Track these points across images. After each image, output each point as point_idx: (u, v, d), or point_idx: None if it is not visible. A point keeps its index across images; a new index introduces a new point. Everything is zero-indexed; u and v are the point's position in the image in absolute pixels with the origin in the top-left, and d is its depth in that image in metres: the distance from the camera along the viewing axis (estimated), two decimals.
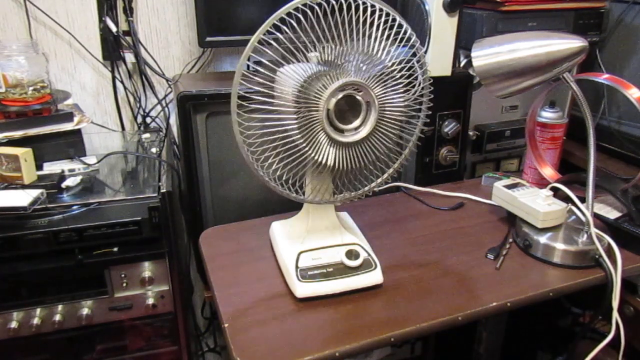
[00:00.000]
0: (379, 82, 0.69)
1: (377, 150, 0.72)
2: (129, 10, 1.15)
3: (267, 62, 0.66)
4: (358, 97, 0.68)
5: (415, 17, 1.03)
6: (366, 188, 0.77)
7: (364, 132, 0.70)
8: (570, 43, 0.79)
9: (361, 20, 0.66)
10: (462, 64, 1.11)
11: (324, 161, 0.69)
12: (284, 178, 0.72)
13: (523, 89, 0.84)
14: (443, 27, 0.99)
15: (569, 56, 0.79)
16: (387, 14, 0.68)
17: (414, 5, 1.03)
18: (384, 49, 0.69)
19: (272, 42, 0.64)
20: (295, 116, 0.67)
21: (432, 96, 0.75)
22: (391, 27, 0.69)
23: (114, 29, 1.15)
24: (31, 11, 1.12)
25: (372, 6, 0.66)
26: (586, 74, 0.89)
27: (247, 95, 0.67)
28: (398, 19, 0.69)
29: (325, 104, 0.66)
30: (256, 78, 0.66)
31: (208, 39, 1.04)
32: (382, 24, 0.67)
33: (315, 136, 0.68)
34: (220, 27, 1.04)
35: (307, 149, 0.68)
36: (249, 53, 0.65)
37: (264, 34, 0.64)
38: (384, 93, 0.69)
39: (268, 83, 0.67)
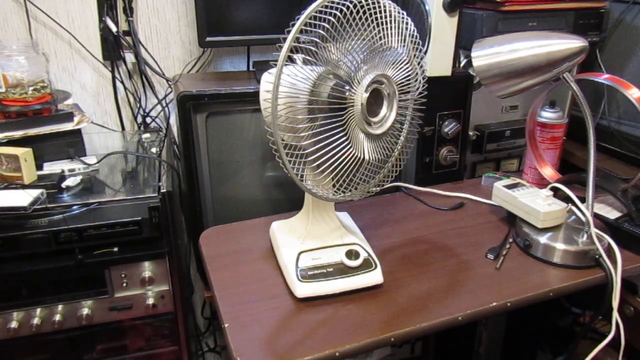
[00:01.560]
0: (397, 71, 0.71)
1: (395, 141, 0.75)
2: (129, 10, 1.15)
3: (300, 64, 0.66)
4: (382, 90, 0.70)
5: (415, 17, 1.03)
6: (370, 186, 0.77)
7: (389, 122, 0.71)
8: (570, 43, 0.79)
9: (381, 17, 0.68)
10: (462, 64, 1.11)
11: (361, 156, 0.70)
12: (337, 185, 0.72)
13: (523, 89, 0.84)
14: (443, 27, 0.99)
15: (569, 56, 0.79)
16: (399, 12, 0.70)
17: (414, 5, 1.03)
18: (398, 43, 0.70)
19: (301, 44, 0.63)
20: (335, 119, 0.67)
21: (426, 85, 0.77)
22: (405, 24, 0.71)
23: (114, 28, 1.15)
24: (31, 11, 1.12)
25: (388, 4, 0.68)
26: (586, 74, 0.89)
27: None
28: (405, 16, 0.70)
29: (360, 99, 0.67)
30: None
31: (208, 39, 1.04)
32: (396, 20, 0.69)
33: (355, 133, 0.69)
34: (220, 27, 1.04)
35: (350, 147, 0.69)
36: (285, 55, 0.62)
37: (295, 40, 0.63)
38: (401, 84, 0.72)
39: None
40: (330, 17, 0.63)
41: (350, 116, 0.68)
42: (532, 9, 1.10)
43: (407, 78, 0.72)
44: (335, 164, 0.68)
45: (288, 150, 0.67)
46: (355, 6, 0.65)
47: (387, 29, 0.69)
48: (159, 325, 0.97)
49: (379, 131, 0.71)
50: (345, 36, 0.65)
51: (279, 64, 0.62)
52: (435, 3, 0.97)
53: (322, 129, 0.67)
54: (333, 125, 0.67)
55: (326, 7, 0.63)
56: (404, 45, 0.71)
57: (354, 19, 0.65)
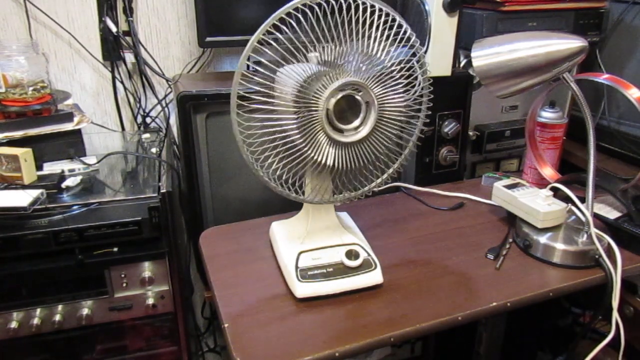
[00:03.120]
0: (379, 82, 0.69)
1: (376, 150, 0.72)
2: (128, 11, 1.15)
3: (266, 62, 0.66)
4: (358, 97, 0.68)
5: (415, 17, 1.03)
6: (366, 188, 0.77)
7: (363, 132, 0.70)
8: (569, 43, 0.79)
9: (361, 20, 0.66)
10: (462, 64, 1.11)
11: (323, 161, 0.69)
12: (283, 178, 0.72)
13: (523, 89, 0.84)
14: (443, 27, 0.99)
15: (569, 56, 0.79)
16: (387, 14, 0.68)
17: (414, 5, 1.03)
18: (383, 49, 0.69)
19: (272, 42, 0.64)
20: (295, 116, 0.67)
21: (432, 96, 0.75)
22: (391, 27, 0.69)
23: (114, 29, 1.15)
24: (31, 11, 1.12)
25: (372, 6, 0.66)
26: (586, 74, 0.89)
27: (246, 95, 0.67)
28: (398, 18, 0.69)
29: (325, 104, 0.66)
30: (256, 78, 0.66)
31: (208, 39, 1.04)
32: (381, 24, 0.68)
33: (314, 136, 0.68)
34: (220, 27, 1.04)
35: (306, 149, 0.68)
36: (248, 53, 0.65)
37: (264, 34, 0.64)
38: (384, 93, 0.69)
39: (268, 83, 0.67)
40: (298, 16, 0.64)
41: (314, 120, 0.67)
42: (532, 9, 1.10)
43: (394, 89, 0.70)
44: (277, 159, 0.69)
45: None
46: (324, 9, 0.64)
47: (366, 33, 0.67)
48: (158, 326, 0.97)
49: (350, 139, 0.69)
50: (312, 37, 0.65)
51: (240, 61, 0.64)
52: (435, 3, 0.97)
53: (275, 123, 0.67)
54: (291, 126, 0.67)
55: (296, 9, 0.64)
56: (390, 51, 0.69)
57: (324, 22, 0.65)
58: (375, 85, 0.68)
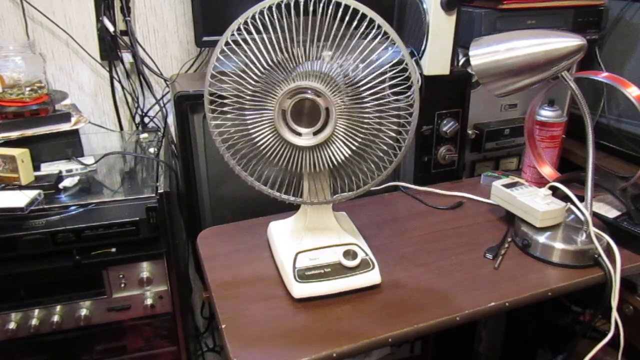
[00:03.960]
0: (337, 89, 0.67)
1: (336, 158, 0.71)
2: (126, 10, 1.15)
3: (233, 65, 0.67)
4: (318, 102, 0.67)
5: (414, 16, 1.03)
6: (362, 189, 0.77)
7: (320, 137, 0.69)
8: (568, 41, 0.78)
9: (328, 21, 0.64)
10: (460, 63, 1.11)
11: (275, 160, 0.70)
12: (270, 180, 0.73)
13: (521, 88, 0.83)
14: (441, 25, 0.99)
15: (567, 55, 0.79)
16: (365, 17, 0.65)
17: (412, 4, 1.02)
18: (355, 54, 0.66)
19: (241, 42, 0.65)
20: (250, 112, 0.68)
21: (419, 103, 0.72)
22: (375, 32, 0.66)
23: (111, 28, 1.15)
24: (28, 11, 1.12)
25: (347, 7, 0.64)
26: (585, 72, 0.89)
27: (213, 98, 0.69)
28: (377, 21, 0.66)
29: (279, 104, 0.66)
30: (223, 78, 0.67)
31: (205, 38, 1.04)
32: (353, 27, 0.65)
33: (267, 137, 0.69)
34: (217, 26, 1.04)
35: (262, 148, 0.69)
36: (217, 54, 0.66)
37: (233, 34, 0.65)
38: (351, 101, 0.68)
39: (232, 83, 0.68)
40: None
41: (266, 120, 0.68)
42: (531, 7, 1.10)
43: (360, 98, 0.68)
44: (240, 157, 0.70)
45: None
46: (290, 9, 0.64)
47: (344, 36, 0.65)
48: (157, 326, 0.97)
49: (307, 143, 0.69)
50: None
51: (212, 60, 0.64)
52: (433, 1, 0.97)
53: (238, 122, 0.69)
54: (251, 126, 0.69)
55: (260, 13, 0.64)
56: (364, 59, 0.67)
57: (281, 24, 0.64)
58: (339, 92, 0.67)
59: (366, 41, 0.66)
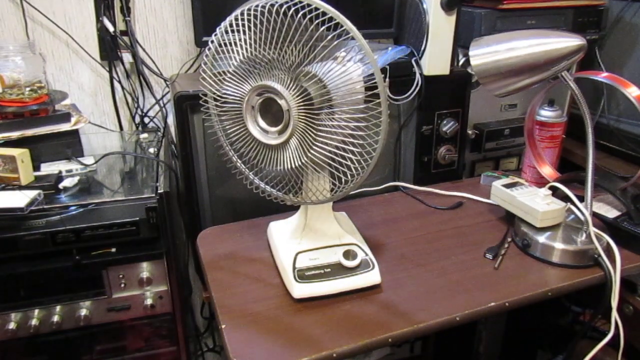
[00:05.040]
0: (299, 95, 0.66)
1: (292, 161, 0.70)
2: (126, 10, 1.15)
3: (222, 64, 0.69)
4: (281, 103, 0.67)
5: (414, 16, 1.03)
6: (350, 187, 0.75)
7: (282, 138, 0.69)
8: (568, 41, 0.78)
9: (303, 25, 0.63)
10: (460, 63, 1.11)
11: (254, 158, 0.72)
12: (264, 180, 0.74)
13: (521, 88, 0.83)
14: (441, 25, 0.99)
15: (567, 55, 0.79)
16: (331, 19, 0.63)
17: (412, 4, 1.02)
18: (315, 59, 0.65)
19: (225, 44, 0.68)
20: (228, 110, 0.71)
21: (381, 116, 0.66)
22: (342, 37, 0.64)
23: (111, 28, 1.15)
24: (28, 11, 1.12)
25: (316, 9, 0.62)
26: (585, 72, 0.88)
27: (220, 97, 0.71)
28: (347, 25, 0.62)
29: (247, 99, 0.69)
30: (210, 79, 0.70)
31: (205, 38, 1.03)
32: (319, 30, 0.63)
33: (241, 132, 0.72)
34: (217, 26, 1.03)
35: (238, 144, 0.72)
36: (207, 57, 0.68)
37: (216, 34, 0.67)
38: (307, 111, 0.67)
39: (214, 84, 0.71)
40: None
41: (236, 115, 0.72)
42: (531, 7, 1.10)
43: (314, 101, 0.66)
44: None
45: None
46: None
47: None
48: (157, 326, 0.97)
49: (268, 141, 0.70)
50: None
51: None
52: (433, 1, 0.97)
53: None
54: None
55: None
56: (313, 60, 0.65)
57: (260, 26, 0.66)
58: (298, 98, 0.66)
59: (340, 52, 0.65)
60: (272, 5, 0.64)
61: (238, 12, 0.67)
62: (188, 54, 1.24)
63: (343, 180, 0.70)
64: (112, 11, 1.15)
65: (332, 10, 0.62)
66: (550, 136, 1.01)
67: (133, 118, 1.25)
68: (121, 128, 1.25)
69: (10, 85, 0.95)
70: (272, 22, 0.64)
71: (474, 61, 0.83)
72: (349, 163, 0.68)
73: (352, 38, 0.62)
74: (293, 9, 0.62)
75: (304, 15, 0.62)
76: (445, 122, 1.09)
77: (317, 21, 0.62)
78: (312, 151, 0.68)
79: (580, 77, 0.87)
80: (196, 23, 1.02)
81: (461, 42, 1.06)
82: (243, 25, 0.67)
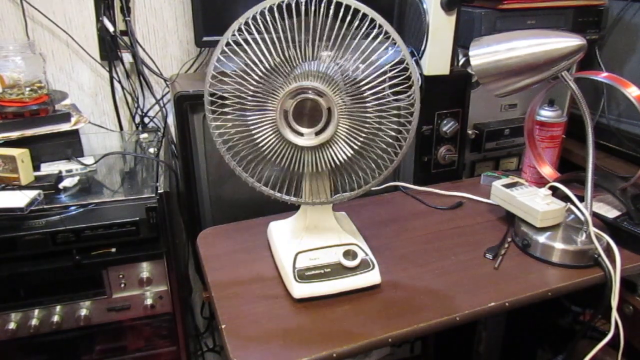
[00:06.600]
0: (339, 89, 0.67)
1: (338, 158, 0.71)
2: (126, 10, 1.15)
3: (234, 65, 0.67)
4: (320, 102, 0.67)
5: (414, 16, 1.03)
6: (359, 190, 0.76)
7: (322, 137, 0.69)
8: (568, 41, 0.78)
9: (329, 22, 0.64)
10: (460, 63, 1.11)
11: (277, 160, 0.70)
12: (271, 181, 0.73)
13: (521, 88, 0.83)
14: (441, 25, 0.99)
15: (567, 55, 0.79)
16: (365, 17, 0.65)
17: (412, 4, 1.02)
18: (356, 56, 0.66)
19: (242, 42, 0.65)
20: (253, 115, 0.68)
21: (418, 105, 0.71)
22: (376, 32, 0.66)
23: (111, 28, 1.15)
24: (28, 11, 1.12)
25: (347, 7, 0.64)
26: (585, 72, 0.88)
27: (224, 96, 0.68)
28: (378, 21, 0.66)
29: (281, 104, 0.66)
30: (223, 78, 0.67)
31: (205, 38, 1.04)
32: (354, 27, 0.65)
33: (269, 137, 0.69)
34: (216, 26, 1.03)
35: (264, 150, 0.69)
36: (217, 55, 0.66)
37: (234, 34, 0.65)
38: (351, 101, 0.68)
39: (233, 84, 0.68)
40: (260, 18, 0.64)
41: (267, 120, 0.68)
42: (531, 7, 1.10)
43: (361, 97, 0.68)
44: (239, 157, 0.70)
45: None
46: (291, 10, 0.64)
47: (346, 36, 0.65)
48: (157, 326, 0.97)
49: (309, 143, 0.69)
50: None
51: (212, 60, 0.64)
52: (433, 1, 0.96)
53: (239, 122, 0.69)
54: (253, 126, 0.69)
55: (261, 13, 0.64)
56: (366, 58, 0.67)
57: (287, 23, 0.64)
58: (340, 92, 0.67)
59: (367, 41, 0.66)
60: (299, 3, 0.64)
61: (257, 10, 0.65)
62: (188, 54, 1.24)
63: (379, 166, 0.72)
64: (112, 11, 1.15)
65: (357, 4, 0.63)
66: (550, 136, 1.01)
67: (133, 118, 1.25)
68: (121, 128, 1.25)
69: (10, 85, 0.95)
70: (296, 19, 0.64)
71: (474, 61, 0.83)
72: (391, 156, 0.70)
73: (380, 27, 0.63)
74: (316, 3, 0.63)
75: (326, 9, 0.63)
76: (445, 122, 1.09)
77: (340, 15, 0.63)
78: (358, 142, 0.69)
79: (580, 77, 0.87)
80: (196, 23, 1.02)
81: (461, 42, 1.06)
82: (264, 23, 0.65)
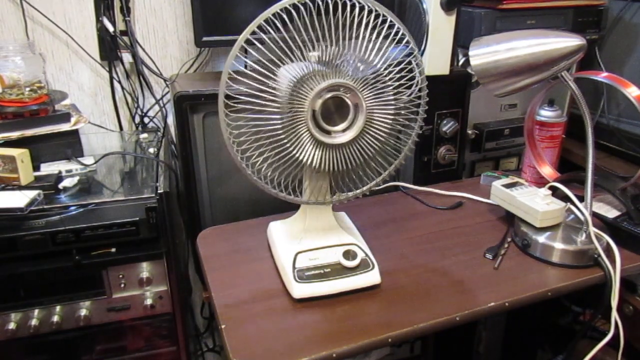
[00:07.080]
0: (367, 84, 0.68)
1: (365, 153, 0.71)
2: (126, 10, 1.15)
3: (251, 63, 0.66)
4: (346, 99, 0.67)
5: (413, 16, 1.03)
6: (365, 188, 0.77)
7: (350, 134, 0.69)
8: (568, 41, 0.78)
9: (348, 20, 0.65)
10: (460, 63, 1.11)
11: (308, 161, 0.69)
12: (276, 180, 0.72)
13: (521, 88, 0.83)
14: (441, 25, 0.99)
15: (567, 55, 0.79)
16: (378, 14, 0.67)
17: (412, 4, 1.02)
18: (374, 51, 0.67)
19: (256, 42, 0.64)
20: (279, 116, 0.67)
21: (428, 99, 0.74)
22: (385, 28, 0.68)
23: (111, 29, 1.15)
24: (28, 11, 1.12)
25: (361, 5, 0.65)
26: (585, 72, 0.88)
27: (233, 95, 0.67)
28: (390, 17, 0.67)
29: (311, 104, 0.66)
30: (242, 78, 0.66)
31: (204, 38, 1.04)
32: (370, 23, 0.66)
33: (299, 137, 0.68)
34: (216, 26, 1.03)
35: (291, 149, 0.68)
36: (235, 53, 0.65)
37: (251, 34, 0.64)
38: (374, 96, 0.68)
39: (252, 83, 0.67)
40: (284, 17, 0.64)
41: (298, 120, 0.67)
42: (531, 7, 1.10)
43: (385, 92, 0.69)
44: (262, 158, 0.69)
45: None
46: (309, 9, 0.64)
47: (359, 34, 0.66)
48: (157, 326, 0.97)
49: (335, 141, 0.69)
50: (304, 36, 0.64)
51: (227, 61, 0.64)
52: (433, 2, 0.97)
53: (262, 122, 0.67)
54: (277, 126, 0.67)
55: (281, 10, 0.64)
56: (383, 53, 0.68)
57: (317, 22, 0.64)
58: (365, 87, 0.67)
59: (380, 38, 0.67)
60: (322, 1, 0.64)
61: (276, 9, 0.65)
62: (188, 54, 1.24)
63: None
64: (112, 11, 1.15)
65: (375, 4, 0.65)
66: (550, 136, 1.01)
67: (133, 118, 1.25)
68: (121, 128, 1.25)
69: (10, 85, 0.95)
70: (317, 17, 0.64)
71: (473, 61, 0.83)
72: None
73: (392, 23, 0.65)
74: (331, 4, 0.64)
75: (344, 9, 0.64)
76: (445, 122, 1.09)
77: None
78: (383, 136, 0.70)
79: (580, 77, 0.87)
80: (196, 23, 1.02)
81: (461, 42, 1.06)
82: (286, 22, 0.65)
